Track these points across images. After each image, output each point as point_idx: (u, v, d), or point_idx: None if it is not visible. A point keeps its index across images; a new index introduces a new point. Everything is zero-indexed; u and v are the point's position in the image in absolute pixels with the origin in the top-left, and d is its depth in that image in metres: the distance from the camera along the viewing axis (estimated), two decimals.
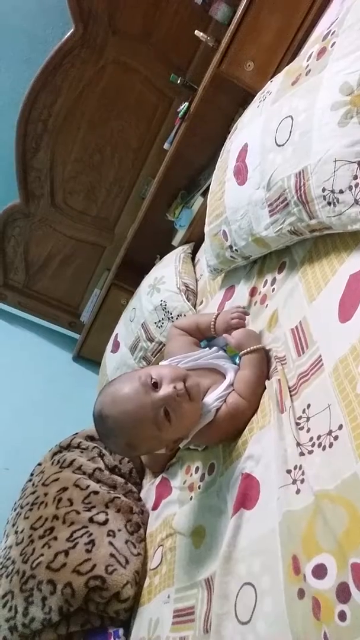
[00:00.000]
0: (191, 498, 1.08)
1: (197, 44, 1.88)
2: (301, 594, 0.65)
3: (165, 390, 0.91)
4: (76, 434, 1.40)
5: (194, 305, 1.62)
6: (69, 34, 1.86)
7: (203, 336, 1.18)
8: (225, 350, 1.14)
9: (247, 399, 0.99)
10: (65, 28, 1.88)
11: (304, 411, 0.82)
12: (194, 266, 1.85)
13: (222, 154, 1.36)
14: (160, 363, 1.13)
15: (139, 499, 1.29)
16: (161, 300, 1.67)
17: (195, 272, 1.80)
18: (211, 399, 1.01)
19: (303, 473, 0.74)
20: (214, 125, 1.88)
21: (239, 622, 0.74)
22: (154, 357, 1.68)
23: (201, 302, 1.60)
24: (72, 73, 1.94)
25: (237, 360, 1.09)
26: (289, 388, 0.89)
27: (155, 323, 1.68)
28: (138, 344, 1.74)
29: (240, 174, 1.17)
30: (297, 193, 0.95)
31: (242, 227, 1.17)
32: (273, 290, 1.12)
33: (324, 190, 0.89)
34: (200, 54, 1.92)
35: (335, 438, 0.70)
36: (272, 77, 1.35)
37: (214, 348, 1.14)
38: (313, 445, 0.75)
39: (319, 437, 0.74)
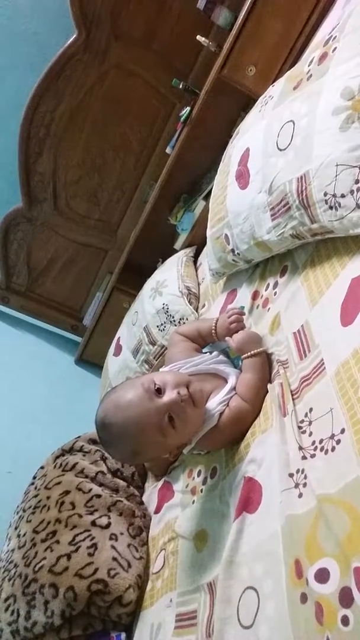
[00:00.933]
0: (193, 502, 1.08)
1: (199, 48, 1.88)
2: (304, 598, 0.65)
3: (169, 396, 0.91)
4: (78, 437, 1.40)
5: (196, 309, 1.62)
6: (72, 39, 1.87)
7: (205, 342, 1.18)
8: (227, 352, 1.15)
9: (250, 402, 0.99)
10: (68, 33, 1.89)
11: (306, 415, 0.82)
12: (196, 269, 1.85)
13: (224, 158, 1.36)
14: (160, 369, 1.13)
15: (141, 503, 1.29)
16: (163, 304, 1.68)
17: (197, 276, 1.80)
18: (214, 403, 1.01)
19: (305, 477, 0.74)
20: (216, 130, 1.89)
21: (241, 626, 0.74)
22: (156, 360, 1.68)
23: (203, 306, 1.60)
24: (74, 78, 1.95)
25: (239, 363, 1.09)
26: (291, 391, 0.89)
27: (158, 326, 1.68)
28: (140, 347, 1.74)
29: (242, 178, 1.17)
30: (299, 197, 0.96)
31: (244, 230, 1.17)
32: (275, 293, 1.12)
33: (325, 194, 0.89)
34: (202, 59, 1.93)
35: (338, 442, 0.70)
36: (274, 81, 1.35)
37: (215, 353, 1.14)
38: (315, 449, 0.75)
39: (321, 441, 0.74)
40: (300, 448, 0.78)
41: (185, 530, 1.03)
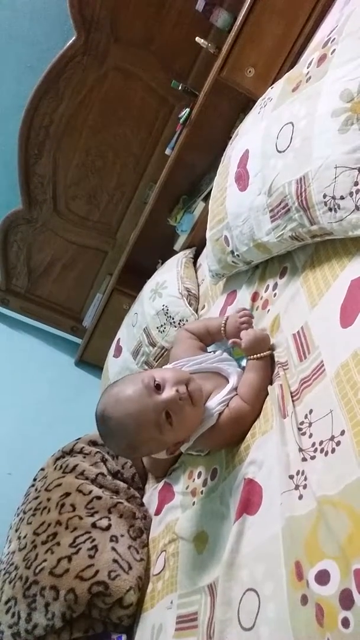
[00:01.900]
0: (194, 503, 1.08)
1: (198, 50, 1.89)
2: (304, 600, 0.65)
3: (167, 393, 0.92)
4: (79, 439, 1.40)
5: (196, 310, 1.63)
6: (71, 41, 1.88)
7: (212, 340, 1.18)
8: (231, 351, 1.15)
9: (250, 403, 0.99)
10: (67, 35, 1.89)
11: (306, 416, 0.82)
12: (196, 271, 1.85)
13: (223, 160, 1.36)
14: (164, 366, 1.13)
15: (142, 504, 1.29)
16: (163, 305, 1.68)
17: (197, 277, 1.80)
18: (214, 402, 1.01)
19: (305, 478, 0.74)
20: (215, 131, 1.89)
21: (242, 628, 0.74)
22: (156, 361, 1.69)
23: (203, 307, 1.61)
24: (74, 80, 1.95)
25: (242, 363, 1.09)
26: (291, 393, 0.89)
27: (158, 328, 1.68)
28: (140, 348, 1.74)
29: (242, 179, 1.17)
30: (298, 199, 0.96)
31: (243, 232, 1.17)
32: (275, 295, 1.12)
33: (324, 196, 0.89)
34: (201, 61, 1.94)
35: (338, 443, 0.71)
36: (273, 83, 1.36)
37: (218, 352, 1.14)
38: (315, 450, 0.75)
39: (321, 443, 0.75)
40: (301, 450, 0.78)
41: (186, 532, 1.03)
